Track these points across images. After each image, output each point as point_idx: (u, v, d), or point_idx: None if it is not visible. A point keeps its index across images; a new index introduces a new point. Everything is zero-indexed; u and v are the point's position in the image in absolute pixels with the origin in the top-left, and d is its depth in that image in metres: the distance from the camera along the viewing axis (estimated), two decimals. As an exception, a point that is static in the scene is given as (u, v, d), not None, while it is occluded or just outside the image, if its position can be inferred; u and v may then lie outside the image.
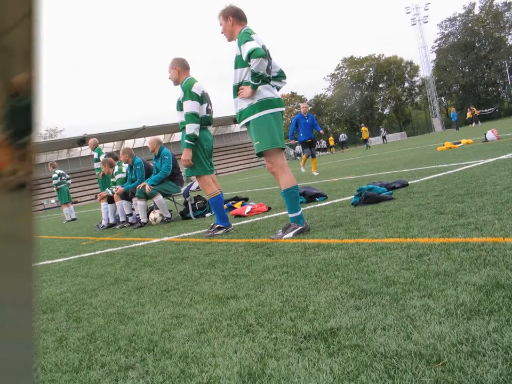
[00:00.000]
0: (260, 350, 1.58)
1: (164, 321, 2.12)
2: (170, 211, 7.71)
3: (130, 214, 8.05)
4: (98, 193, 8.92)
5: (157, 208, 7.47)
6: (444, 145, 12.51)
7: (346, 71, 73.66)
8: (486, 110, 47.67)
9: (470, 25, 63.27)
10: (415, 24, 59.71)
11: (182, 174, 6.97)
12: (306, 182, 9.39)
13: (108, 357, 1.79)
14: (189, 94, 4.75)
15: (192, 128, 4.70)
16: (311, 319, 1.76)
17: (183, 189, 7.65)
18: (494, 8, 61.64)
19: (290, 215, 3.82)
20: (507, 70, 55.38)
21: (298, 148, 42.12)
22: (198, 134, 4.76)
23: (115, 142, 44.11)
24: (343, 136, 46.07)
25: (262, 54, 3.59)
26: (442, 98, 68.33)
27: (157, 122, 42.64)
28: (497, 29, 61.69)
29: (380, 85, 73.46)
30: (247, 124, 3.87)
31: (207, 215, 7.14)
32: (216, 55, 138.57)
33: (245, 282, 2.52)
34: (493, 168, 5.42)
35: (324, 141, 49.30)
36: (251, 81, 3.69)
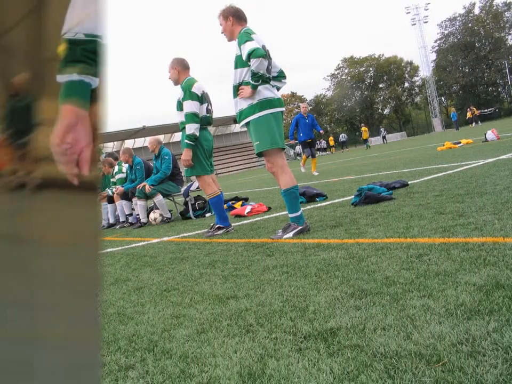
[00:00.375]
0: (259, 350, 1.58)
1: (164, 321, 2.12)
2: (170, 211, 7.71)
3: (130, 214, 8.05)
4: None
5: (157, 208, 7.47)
6: (444, 145, 12.51)
7: (346, 71, 73.68)
8: (486, 110, 47.66)
9: (470, 25, 63.27)
10: (415, 24, 59.74)
11: (182, 174, 6.97)
12: (306, 182, 9.40)
13: (107, 357, 1.79)
14: (189, 94, 4.75)
15: (192, 128, 4.70)
16: (311, 319, 1.76)
17: (183, 189, 7.65)
18: (494, 8, 61.64)
19: (290, 215, 3.82)
20: (507, 70, 55.38)
21: (298, 148, 42.12)
22: (198, 134, 4.76)
23: (115, 142, 44.10)
24: (343, 136, 46.07)
25: (262, 54, 3.59)
26: (442, 98, 68.34)
27: (157, 122, 42.68)
28: (497, 29, 61.69)
29: (380, 85, 73.48)
30: (247, 124, 3.87)
31: (207, 215, 7.14)
32: (216, 55, 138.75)
33: (245, 282, 2.52)
34: (493, 168, 5.42)
35: (323, 141, 49.30)
36: (251, 81, 3.69)
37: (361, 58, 72.79)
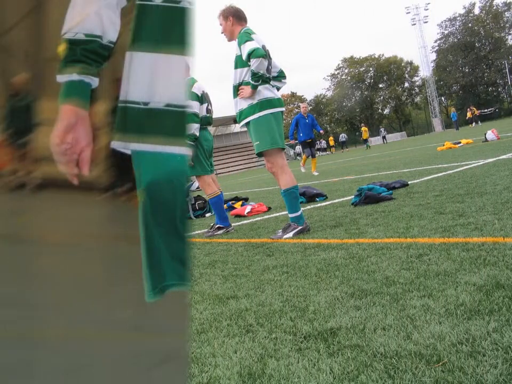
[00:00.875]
0: (259, 350, 1.58)
1: (164, 321, 2.12)
2: (170, 211, 7.70)
3: (130, 214, 8.05)
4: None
5: (157, 208, 7.46)
6: (444, 145, 12.51)
7: (346, 71, 73.69)
8: (486, 110, 47.64)
9: (470, 25, 63.27)
10: (415, 24, 59.79)
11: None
12: (306, 182, 9.39)
13: (108, 357, 1.79)
14: (189, 94, 4.74)
15: (192, 128, 4.70)
16: (311, 319, 1.76)
17: (183, 189, 7.64)
18: (494, 8, 61.64)
19: (290, 215, 3.82)
20: (507, 70, 55.38)
21: (298, 148, 42.10)
22: (198, 134, 4.76)
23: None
24: (343, 136, 46.06)
25: (262, 54, 3.59)
26: (442, 98, 68.33)
27: (157, 122, 42.48)
28: (497, 29, 61.69)
29: (380, 85, 73.48)
30: (247, 124, 3.87)
31: (207, 215, 7.14)
32: (216, 55, 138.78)
33: (245, 282, 2.52)
34: (493, 168, 5.42)
35: (323, 141, 49.29)
36: (251, 81, 3.69)
37: (361, 58, 72.80)
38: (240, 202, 7.06)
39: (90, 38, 0.97)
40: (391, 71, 71.93)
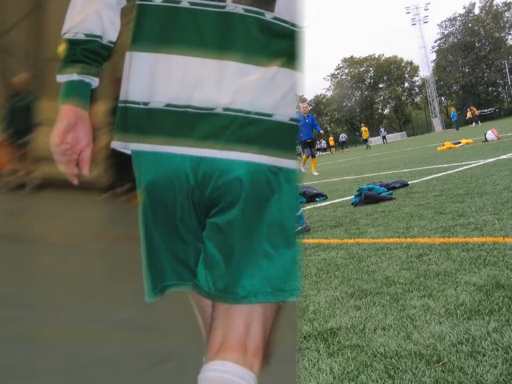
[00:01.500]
0: (259, 350, 1.57)
1: (164, 321, 2.11)
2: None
3: (130, 214, 8.05)
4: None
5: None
6: (444, 145, 12.50)
7: (346, 71, 73.69)
8: (486, 110, 47.58)
9: (470, 25, 63.28)
10: (415, 24, 59.81)
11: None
12: (306, 182, 9.39)
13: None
14: None
15: None
16: (311, 319, 1.76)
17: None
18: (494, 8, 61.65)
19: (290, 215, 3.82)
20: (507, 70, 55.40)
21: (298, 148, 42.04)
22: None
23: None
24: (343, 136, 46.03)
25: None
26: (442, 98, 68.29)
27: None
28: (497, 29, 61.69)
29: (380, 85, 73.46)
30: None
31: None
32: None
33: (245, 282, 2.51)
34: (493, 168, 5.42)
35: (323, 141, 49.25)
36: (251, 81, 3.69)
37: (361, 58, 72.80)
38: (240, 202, 7.06)
39: (90, 38, 0.97)
40: (391, 71, 71.92)
